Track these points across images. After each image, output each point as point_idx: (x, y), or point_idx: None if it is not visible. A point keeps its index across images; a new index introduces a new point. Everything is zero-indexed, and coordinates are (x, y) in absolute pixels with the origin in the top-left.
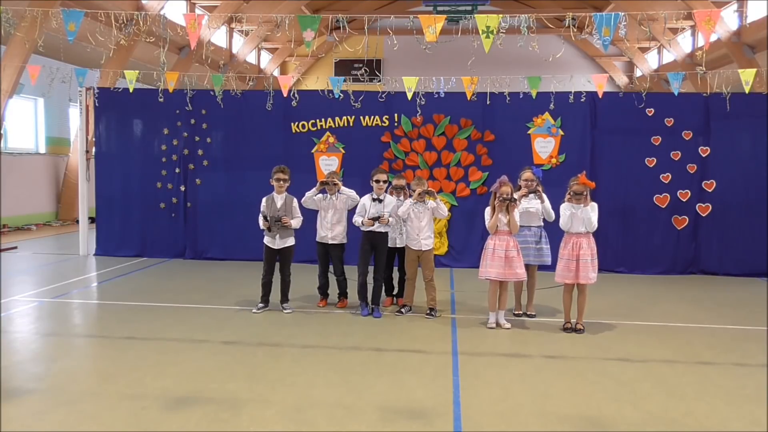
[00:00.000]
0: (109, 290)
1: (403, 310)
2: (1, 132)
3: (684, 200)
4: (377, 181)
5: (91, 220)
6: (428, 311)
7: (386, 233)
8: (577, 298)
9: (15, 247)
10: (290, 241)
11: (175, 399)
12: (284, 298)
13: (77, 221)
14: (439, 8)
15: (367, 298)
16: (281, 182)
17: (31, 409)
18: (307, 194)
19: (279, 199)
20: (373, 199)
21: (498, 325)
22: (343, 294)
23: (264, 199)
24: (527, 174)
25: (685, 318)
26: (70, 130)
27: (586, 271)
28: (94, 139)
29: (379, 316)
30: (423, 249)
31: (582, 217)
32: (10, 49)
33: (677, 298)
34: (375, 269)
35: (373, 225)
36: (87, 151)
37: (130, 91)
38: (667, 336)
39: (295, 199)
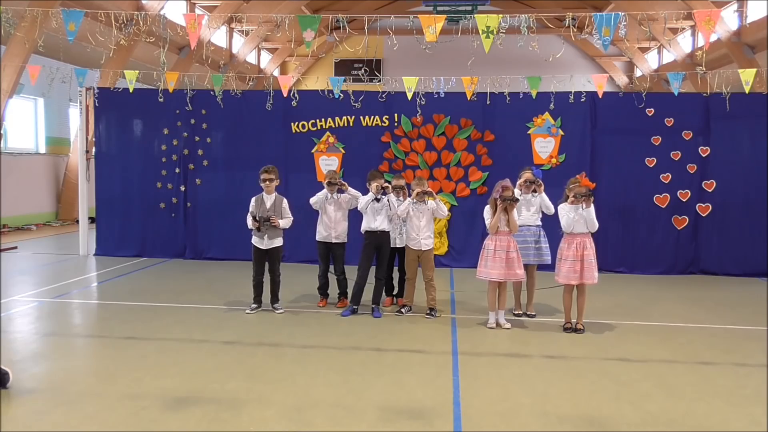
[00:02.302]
0: (109, 290)
1: (403, 310)
2: (1, 132)
3: (684, 200)
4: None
5: (91, 220)
6: (428, 311)
7: (389, 233)
8: (577, 298)
9: (15, 247)
10: (278, 242)
11: (175, 399)
12: (275, 298)
13: (77, 221)
14: (439, 8)
15: (359, 300)
16: (267, 182)
17: (31, 409)
18: (318, 195)
19: (268, 199)
20: (375, 200)
21: (498, 325)
22: (343, 293)
23: (253, 199)
24: (527, 175)
25: (685, 318)
26: (70, 130)
27: (591, 272)
28: (94, 139)
29: (379, 316)
30: (423, 249)
31: (586, 217)
32: (10, 49)
33: (677, 298)
34: (377, 269)
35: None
36: (87, 151)
37: (130, 91)
38: (667, 336)
39: (285, 200)
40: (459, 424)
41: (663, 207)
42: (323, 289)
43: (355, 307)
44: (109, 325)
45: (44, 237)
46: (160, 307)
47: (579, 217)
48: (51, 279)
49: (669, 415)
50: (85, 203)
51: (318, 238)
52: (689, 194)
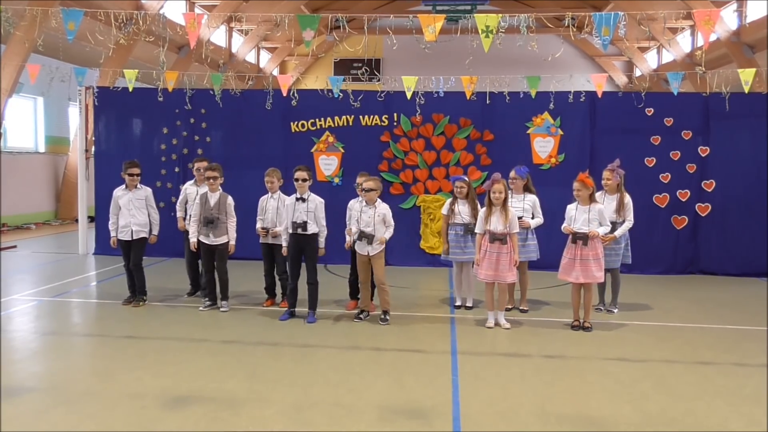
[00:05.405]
0: (108, 289)
1: (361, 315)
2: (1, 131)
3: (683, 200)
4: (296, 180)
5: (91, 219)
6: (382, 315)
7: (313, 235)
8: (584, 296)
9: (14, 246)
10: (224, 238)
11: (175, 398)
12: (223, 296)
13: (76, 220)
14: (438, 8)
15: (295, 303)
16: (212, 180)
17: (31, 408)
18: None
19: (212, 197)
20: (297, 199)
21: (497, 324)
22: (284, 293)
23: (198, 196)
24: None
25: (685, 318)
26: (70, 129)
27: (588, 271)
28: (93, 138)
29: (313, 321)
30: (371, 254)
31: (586, 217)
32: (10, 48)
33: (676, 298)
34: (307, 276)
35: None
36: (86, 150)
37: (130, 90)
38: (667, 336)
39: (229, 197)
40: (458, 424)
41: (662, 207)
42: (270, 289)
43: (291, 309)
44: (109, 324)
45: (43, 236)
46: (159, 306)
47: (579, 216)
48: (50, 278)
49: (668, 415)
50: (84, 202)
51: (260, 240)
52: (689, 194)
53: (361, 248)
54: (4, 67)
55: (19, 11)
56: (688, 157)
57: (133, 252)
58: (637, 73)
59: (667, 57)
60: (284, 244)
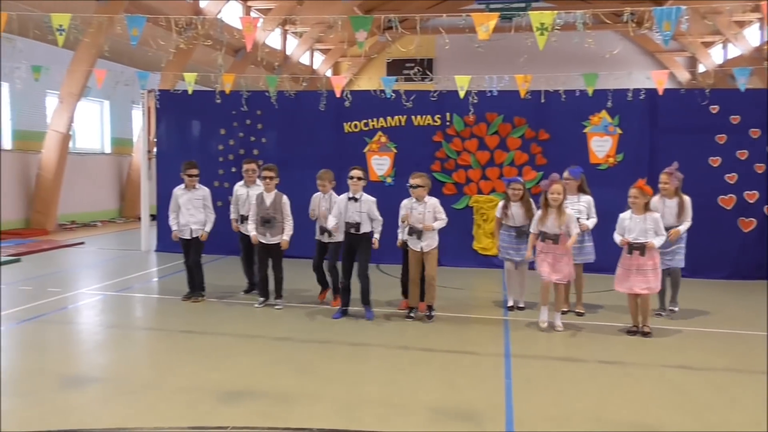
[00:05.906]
0: (168, 285)
1: (412, 314)
2: (71, 133)
3: (751, 201)
4: (351, 178)
5: (153, 217)
6: (427, 311)
7: (365, 234)
8: (641, 302)
9: (82, 243)
10: (279, 238)
11: (228, 392)
12: (277, 294)
13: (139, 218)
14: (491, 6)
15: (348, 301)
16: (268, 180)
17: (96, 397)
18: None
19: (268, 197)
20: (349, 198)
21: (551, 326)
22: (335, 290)
23: (255, 196)
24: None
25: (749, 325)
26: (133, 131)
27: (648, 282)
28: (155, 140)
29: (371, 317)
30: (424, 250)
31: (642, 227)
32: (79, 54)
33: (741, 303)
34: (358, 269)
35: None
36: (149, 151)
37: (189, 92)
38: (730, 343)
39: (284, 196)
40: (511, 427)
41: (728, 209)
42: (323, 281)
43: (344, 308)
44: (168, 318)
45: (108, 233)
46: (215, 302)
47: (634, 225)
48: (114, 273)
49: (731, 426)
50: (146, 201)
51: (316, 236)
52: (757, 195)
53: (414, 244)
54: (74, 73)
55: (86, 19)
56: (756, 157)
57: (192, 250)
58: (701, 68)
59: (734, 52)
60: (331, 224)
